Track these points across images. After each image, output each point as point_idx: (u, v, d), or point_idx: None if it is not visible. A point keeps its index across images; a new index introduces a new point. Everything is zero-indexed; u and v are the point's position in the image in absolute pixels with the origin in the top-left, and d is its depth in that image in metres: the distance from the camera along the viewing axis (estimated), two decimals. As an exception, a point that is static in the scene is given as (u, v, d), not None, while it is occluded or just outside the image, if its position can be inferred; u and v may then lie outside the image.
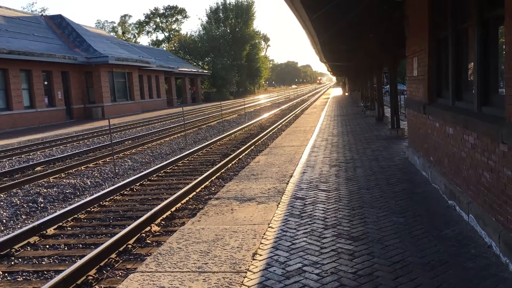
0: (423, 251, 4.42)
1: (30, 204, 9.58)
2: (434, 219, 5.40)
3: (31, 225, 7.40)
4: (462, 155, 5.38)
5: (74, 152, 17.01)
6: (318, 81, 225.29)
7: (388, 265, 4.14)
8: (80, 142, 21.09)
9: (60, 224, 7.87)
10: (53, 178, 12.26)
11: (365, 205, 6.19)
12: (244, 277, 4.06)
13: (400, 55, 13.16)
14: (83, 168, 13.62)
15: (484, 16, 4.82)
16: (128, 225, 7.13)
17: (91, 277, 5.51)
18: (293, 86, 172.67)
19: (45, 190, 10.64)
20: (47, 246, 6.92)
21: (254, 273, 4.15)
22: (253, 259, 4.46)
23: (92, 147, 18.16)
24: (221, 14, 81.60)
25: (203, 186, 10.19)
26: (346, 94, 55.50)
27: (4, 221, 8.53)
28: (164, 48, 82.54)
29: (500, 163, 4.12)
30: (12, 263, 6.26)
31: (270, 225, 5.52)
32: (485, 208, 4.60)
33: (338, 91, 72.01)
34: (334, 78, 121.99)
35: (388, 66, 14.42)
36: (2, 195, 10.43)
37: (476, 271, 3.93)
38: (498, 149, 4.15)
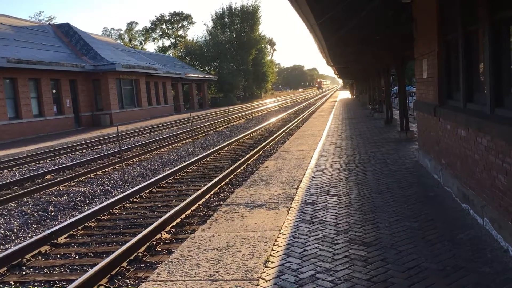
0: (437, 256, 4.35)
1: (41, 213, 9.61)
2: (447, 223, 5.32)
3: (42, 234, 7.41)
4: (475, 158, 5.31)
5: (83, 159, 17.08)
6: (317, 85, 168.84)
7: (402, 271, 4.07)
8: (89, 149, 21.18)
9: (71, 232, 7.88)
10: (63, 186, 12.30)
11: (376, 209, 6.12)
12: (256, 285, 4.01)
13: (408, 56, 13.09)
14: (92, 176, 13.65)
15: (494, 17, 4.75)
16: (139, 233, 7.11)
17: (102, 287, 5.49)
18: (300, 90, 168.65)
19: (55, 199, 10.66)
20: (58, 255, 6.93)
21: (267, 281, 4.10)
22: (265, 267, 4.41)
23: (101, 155, 18.23)
24: (226, 19, 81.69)
25: (212, 193, 10.15)
26: (354, 97, 55.36)
27: (15, 230, 8.55)
28: (171, 55, 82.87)
29: (515, 166, 4.05)
30: (24, 272, 6.26)
31: (281, 231, 5.47)
32: (501, 211, 4.52)
33: (345, 94, 71.87)
34: (340, 81, 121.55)
35: (396, 68, 14.34)
36: (12, 204, 10.47)
37: (493, 276, 3.85)
38: (513, 152, 4.08)
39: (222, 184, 10.99)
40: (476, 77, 5.81)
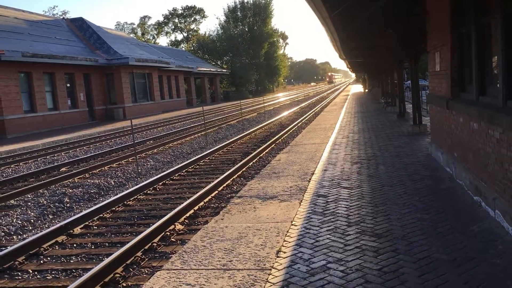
0: (449, 247, 4.39)
1: (57, 204, 9.79)
2: (459, 216, 5.34)
3: (58, 225, 7.57)
4: (487, 150, 5.31)
5: (97, 152, 17.29)
6: (328, 79, 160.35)
7: (413, 261, 4.12)
8: (103, 142, 21.42)
9: (87, 223, 8.03)
10: (78, 178, 12.49)
11: (388, 202, 6.15)
12: (268, 274, 4.09)
13: (421, 50, 13.01)
14: (106, 168, 13.83)
15: (507, 9, 4.74)
16: (153, 224, 7.23)
17: (118, 275, 5.61)
18: (312, 84, 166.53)
19: (70, 190, 10.85)
20: (75, 245, 7.08)
21: (279, 270, 4.17)
22: (277, 257, 4.49)
23: (114, 148, 18.44)
24: (239, 13, 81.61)
25: (225, 185, 10.25)
26: (366, 90, 55.02)
27: (32, 220, 8.74)
28: (183, 48, 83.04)
29: (527, 158, 4.06)
30: (41, 261, 6.42)
31: (293, 222, 5.54)
32: (512, 203, 4.53)
33: (358, 88, 71.46)
34: (353, 75, 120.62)
35: (409, 62, 14.27)
36: (29, 196, 10.68)
37: (503, 267, 3.88)
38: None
39: (234, 176, 11.08)
40: (489, 70, 5.80)
